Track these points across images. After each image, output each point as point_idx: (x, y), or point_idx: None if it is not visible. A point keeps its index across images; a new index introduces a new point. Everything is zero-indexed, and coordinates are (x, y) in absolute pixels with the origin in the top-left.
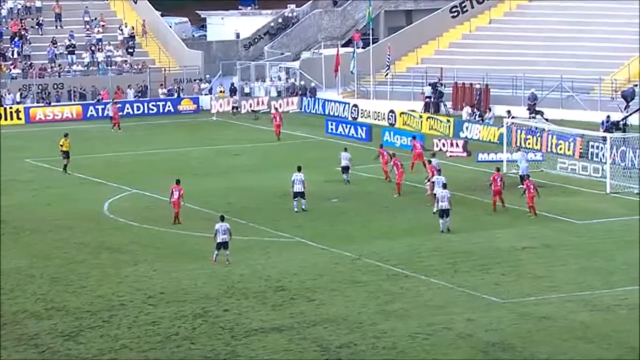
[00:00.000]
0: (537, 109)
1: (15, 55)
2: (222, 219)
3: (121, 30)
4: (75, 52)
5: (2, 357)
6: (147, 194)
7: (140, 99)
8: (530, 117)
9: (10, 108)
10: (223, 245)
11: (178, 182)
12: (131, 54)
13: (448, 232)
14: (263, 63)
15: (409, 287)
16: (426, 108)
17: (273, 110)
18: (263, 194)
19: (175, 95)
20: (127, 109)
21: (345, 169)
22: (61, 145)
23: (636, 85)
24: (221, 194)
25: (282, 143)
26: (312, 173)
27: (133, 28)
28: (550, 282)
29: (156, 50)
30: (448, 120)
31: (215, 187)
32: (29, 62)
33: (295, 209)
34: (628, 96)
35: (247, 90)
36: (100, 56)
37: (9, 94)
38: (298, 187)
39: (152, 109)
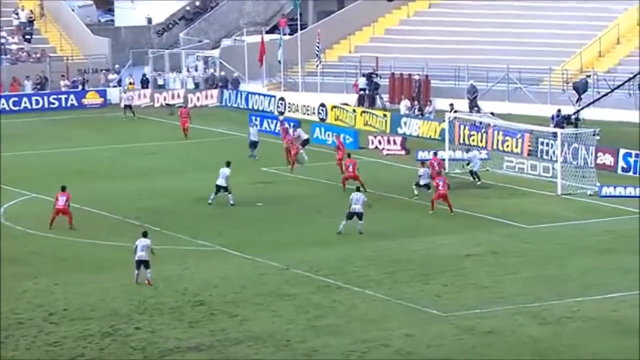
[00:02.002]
0: (478, 103)
1: None
2: (145, 235)
3: (17, 14)
4: None
5: None
6: (48, 198)
7: (40, 91)
8: (473, 112)
9: None
10: (143, 263)
11: (64, 188)
12: (29, 40)
13: (360, 234)
14: (178, 52)
15: (342, 299)
16: (360, 101)
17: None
18: (179, 198)
19: (80, 87)
20: (25, 102)
21: (253, 145)
22: None
23: (589, 76)
24: (132, 198)
25: (200, 141)
26: (234, 174)
27: (31, 11)
28: (497, 292)
29: (57, 37)
30: (384, 115)
31: (125, 190)
32: None
33: (209, 201)
34: (580, 88)
35: (160, 82)
36: None
37: None
38: (220, 181)
39: (53, 103)
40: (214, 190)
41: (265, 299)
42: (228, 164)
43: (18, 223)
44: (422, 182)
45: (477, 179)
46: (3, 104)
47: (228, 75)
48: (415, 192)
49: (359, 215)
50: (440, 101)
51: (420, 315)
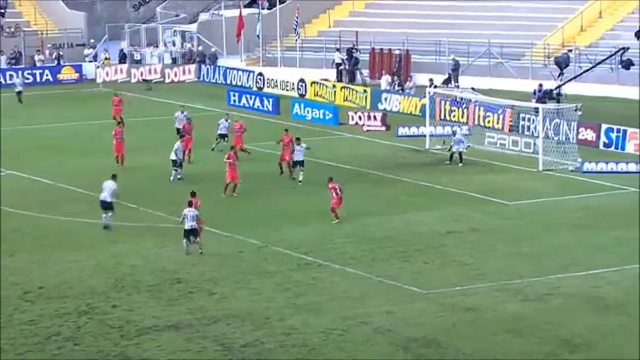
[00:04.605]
0: (458, 78)
1: None
2: (190, 204)
3: None
4: None
5: None
6: (24, 175)
7: (14, 67)
8: (448, 86)
9: None
10: (192, 233)
11: (193, 194)
12: (2, 14)
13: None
14: (155, 26)
15: (322, 277)
16: (338, 77)
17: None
18: (157, 175)
19: (55, 62)
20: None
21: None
22: None
23: (570, 51)
24: (108, 175)
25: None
26: (210, 151)
27: None
28: (477, 269)
29: (31, 11)
30: (365, 91)
31: (102, 167)
32: None
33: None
34: (562, 62)
35: (137, 57)
36: None
37: None
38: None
39: (28, 78)
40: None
41: (244, 277)
42: (181, 138)
43: None
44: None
45: (458, 162)
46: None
47: (206, 50)
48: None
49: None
50: (421, 76)
51: (401, 292)
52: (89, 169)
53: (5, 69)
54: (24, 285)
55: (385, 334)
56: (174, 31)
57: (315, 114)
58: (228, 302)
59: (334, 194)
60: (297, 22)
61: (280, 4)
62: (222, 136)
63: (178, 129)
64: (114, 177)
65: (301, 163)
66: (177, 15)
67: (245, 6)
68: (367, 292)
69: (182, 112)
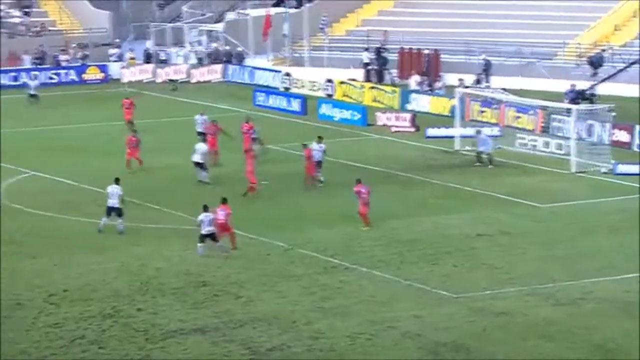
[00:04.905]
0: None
1: None
2: (206, 208)
3: None
4: None
5: None
6: (47, 176)
7: (39, 66)
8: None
9: None
10: (210, 236)
11: (225, 201)
12: (27, 14)
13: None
14: (181, 25)
15: (349, 280)
16: (366, 77)
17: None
18: (180, 176)
19: (80, 62)
20: (23, 78)
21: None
22: None
23: (604, 50)
24: (132, 176)
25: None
26: (236, 151)
27: None
28: (508, 273)
29: (56, 10)
30: (393, 91)
31: (124, 168)
32: None
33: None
34: (596, 62)
35: (163, 57)
36: None
37: None
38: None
39: (53, 78)
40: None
41: (270, 280)
42: (204, 140)
43: (16, 201)
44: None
45: (487, 163)
46: (2, 79)
47: (232, 49)
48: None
49: None
50: (451, 76)
51: (430, 296)
52: (111, 170)
53: (30, 69)
54: (48, 288)
55: (414, 339)
56: (200, 30)
57: (343, 115)
58: (254, 305)
59: (362, 197)
60: (324, 21)
61: (307, 3)
62: (200, 134)
63: (199, 133)
64: (117, 181)
65: (319, 163)
66: (203, 15)
67: (273, 5)
68: (395, 296)
69: (202, 115)
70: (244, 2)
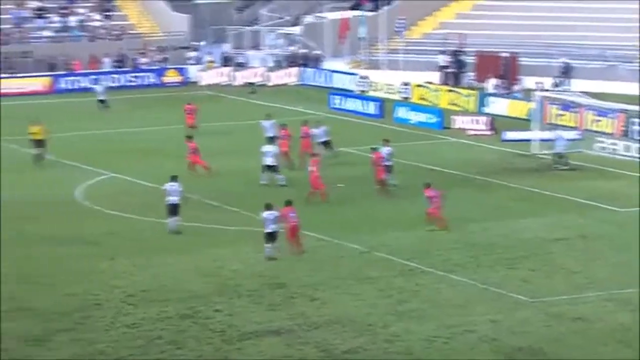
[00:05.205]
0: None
1: None
2: (269, 207)
3: None
4: (45, 15)
5: None
6: (127, 178)
7: (119, 69)
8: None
9: None
10: (273, 236)
11: (289, 202)
12: (108, 17)
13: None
14: (259, 28)
15: (425, 284)
16: (443, 80)
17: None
18: (256, 179)
19: (159, 65)
20: (103, 81)
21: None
22: (33, 134)
23: None
24: (209, 178)
25: (280, 120)
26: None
27: None
28: (586, 278)
29: (136, 14)
30: (470, 94)
31: (200, 170)
32: None
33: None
34: None
35: (240, 59)
36: (73, 20)
37: None
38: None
39: (132, 81)
40: (266, 170)
41: (346, 283)
42: (271, 140)
43: (96, 203)
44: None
45: (563, 164)
46: (82, 82)
47: (309, 52)
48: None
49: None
50: (529, 79)
51: (506, 300)
52: (187, 173)
53: (110, 72)
54: (125, 289)
55: (490, 343)
56: (278, 34)
57: (419, 118)
58: (329, 307)
59: (433, 202)
60: (402, 24)
61: (385, 5)
62: (269, 139)
63: (268, 138)
64: (174, 178)
65: (388, 167)
66: (281, 18)
67: (350, 8)
68: (472, 300)
69: (269, 120)
70: (322, 5)
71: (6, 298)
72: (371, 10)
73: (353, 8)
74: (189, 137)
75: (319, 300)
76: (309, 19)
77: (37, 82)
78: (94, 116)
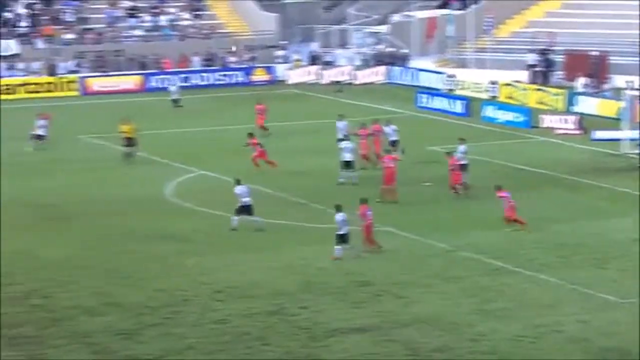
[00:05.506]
0: None
1: (70, 18)
2: (339, 209)
3: None
4: (137, 14)
5: (45, 357)
6: (216, 175)
7: (208, 68)
8: None
9: (64, 78)
10: (344, 238)
11: (364, 201)
12: (198, 16)
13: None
14: (346, 27)
15: (512, 283)
16: (532, 78)
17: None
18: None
19: (247, 64)
20: (193, 79)
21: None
22: (123, 132)
23: None
24: (296, 176)
25: (366, 119)
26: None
27: None
28: None
29: (226, 13)
30: (559, 93)
31: (289, 169)
32: (84, 26)
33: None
34: None
35: (328, 58)
36: (163, 19)
37: (62, 61)
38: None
39: (221, 80)
40: (343, 167)
41: (433, 281)
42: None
43: (185, 200)
44: None
45: None
46: (172, 80)
47: (396, 51)
48: None
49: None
50: (619, 78)
51: (595, 300)
52: (275, 171)
53: (199, 70)
54: (213, 285)
55: (579, 343)
56: (365, 32)
57: (507, 117)
58: (415, 306)
59: (507, 203)
60: (491, 22)
61: (473, 4)
62: (40, 137)
63: (340, 139)
64: (239, 181)
65: (464, 167)
66: (369, 17)
67: (438, 7)
68: (560, 300)
69: (341, 120)
70: (409, 4)
71: (96, 293)
72: (459, 9)
73: (441, 7)
74: (251, 135)
75: (405, 299)
76: (396, 17)
77: (129, 81)
78: (183, 114)
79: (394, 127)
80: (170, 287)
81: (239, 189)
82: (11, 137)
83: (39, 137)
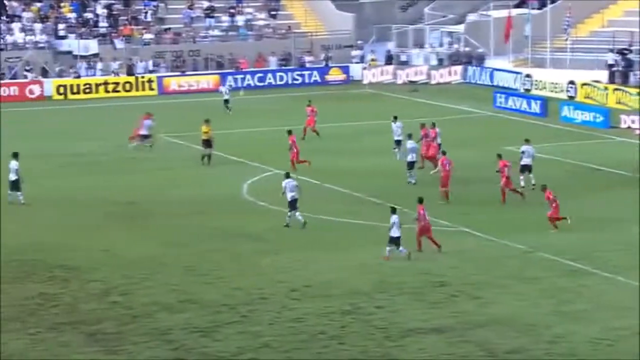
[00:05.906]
0: None
1: (149, 19)
2: (394, 210)
3: None
4: (214, 15)
5: (124, 353)
6: (291, 174)
7: (284, 67)
8: None
9: (142, 77)
10: (397, 240)
11: (421, 200)
12: (274, 16)
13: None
14: (422, 27)
15: (590, 285)
16: (611, 78)
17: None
18: (421, 177)
19: (323, 64)
20: (269, 79)
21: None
22: (203, 132)
23: None
24: (369, 175)
25: (443, 119)
26: (477, 153)
27: None
28: None
29: (302, 13)
30: (639, 93)
31: (363, 167)
32: (162, 26)
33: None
34: None
35: (404, 58)
36: (240, 20)
37: (140, 61)
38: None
39: (297, 79)
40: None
41: (509, 282)
42: (409, 136)
43: (261, 199)
44: None
45: None
46: (248, 80)
47: (473, 51)
48: None
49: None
50: None
51: None
52: (347, 170)
53: (276, 70)
54: (289, 284)
55: None
56: (441, 32)
57: (585, 117)
58: (492, 307)
59: (553, 204)
60: (568, 22)
61: (551, 3)
62: (145, 137)
63: (397, 140)
64: (288, 175)
65: (525, 167)
66: (445, 16)
67: (515, 6)
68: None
69: (396, 122)
70: (486, 4)
71: (174, 290)
72: (537, 9)
73: (518, 6)
74: (289, 132)
75: (481, 299)
76: (472, 17)
77: (206, 80)
78: (259, 113)
79: (437, 130)
80: (247, 286)
81: (285, 183)
82: (93, 137)
83: (145, 137)
